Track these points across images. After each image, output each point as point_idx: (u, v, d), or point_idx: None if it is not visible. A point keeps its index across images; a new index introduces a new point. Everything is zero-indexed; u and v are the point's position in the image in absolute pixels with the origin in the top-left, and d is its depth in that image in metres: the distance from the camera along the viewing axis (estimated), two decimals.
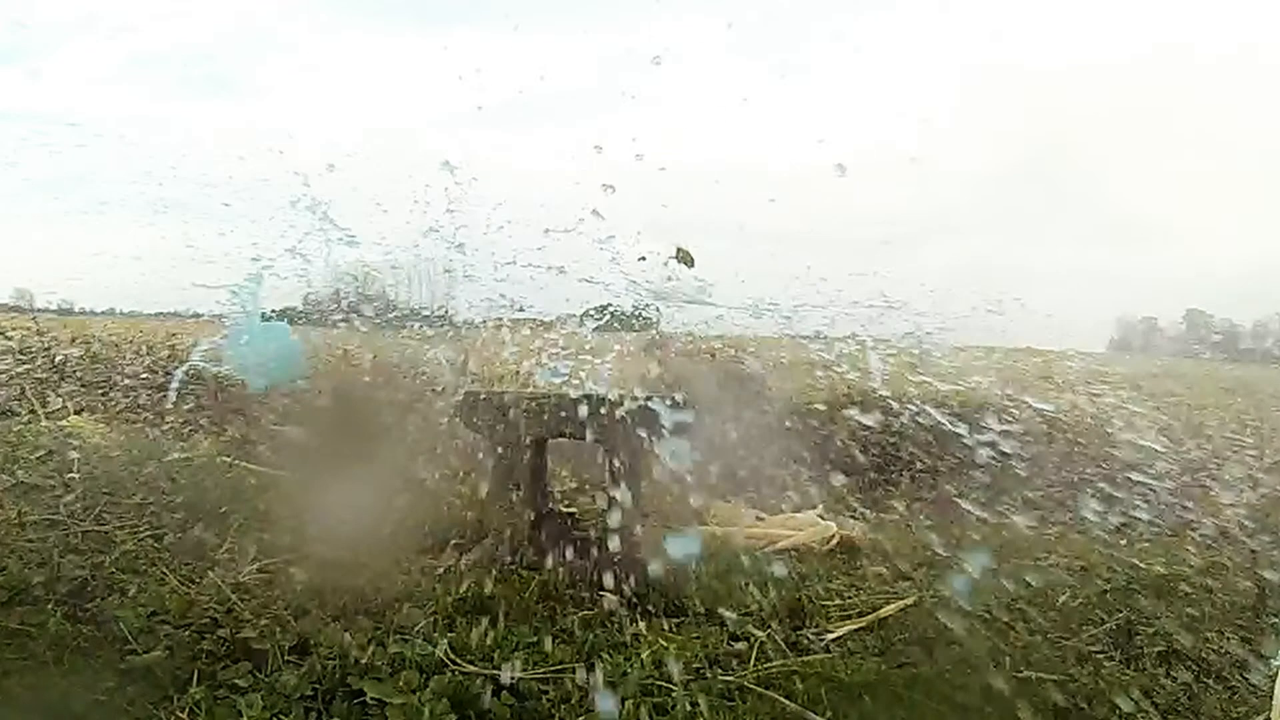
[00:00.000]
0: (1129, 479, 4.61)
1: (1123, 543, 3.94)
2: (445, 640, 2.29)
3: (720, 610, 2.64)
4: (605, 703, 2.05)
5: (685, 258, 2.81)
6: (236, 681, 2.06)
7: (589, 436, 3.04)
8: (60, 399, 4.83)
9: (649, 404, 3.02)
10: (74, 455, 3.64)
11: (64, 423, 4.30)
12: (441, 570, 2.87)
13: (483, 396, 3.14)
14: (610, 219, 3.24)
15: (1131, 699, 2.24)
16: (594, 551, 2.88)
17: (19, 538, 2.75)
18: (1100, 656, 2.51)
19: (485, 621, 2.44)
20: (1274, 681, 2.02)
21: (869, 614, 2.72)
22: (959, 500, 4.52)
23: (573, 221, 3.54)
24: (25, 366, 5.41)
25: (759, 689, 2.19)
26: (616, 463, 2.99)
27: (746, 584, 2.87)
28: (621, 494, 2.99)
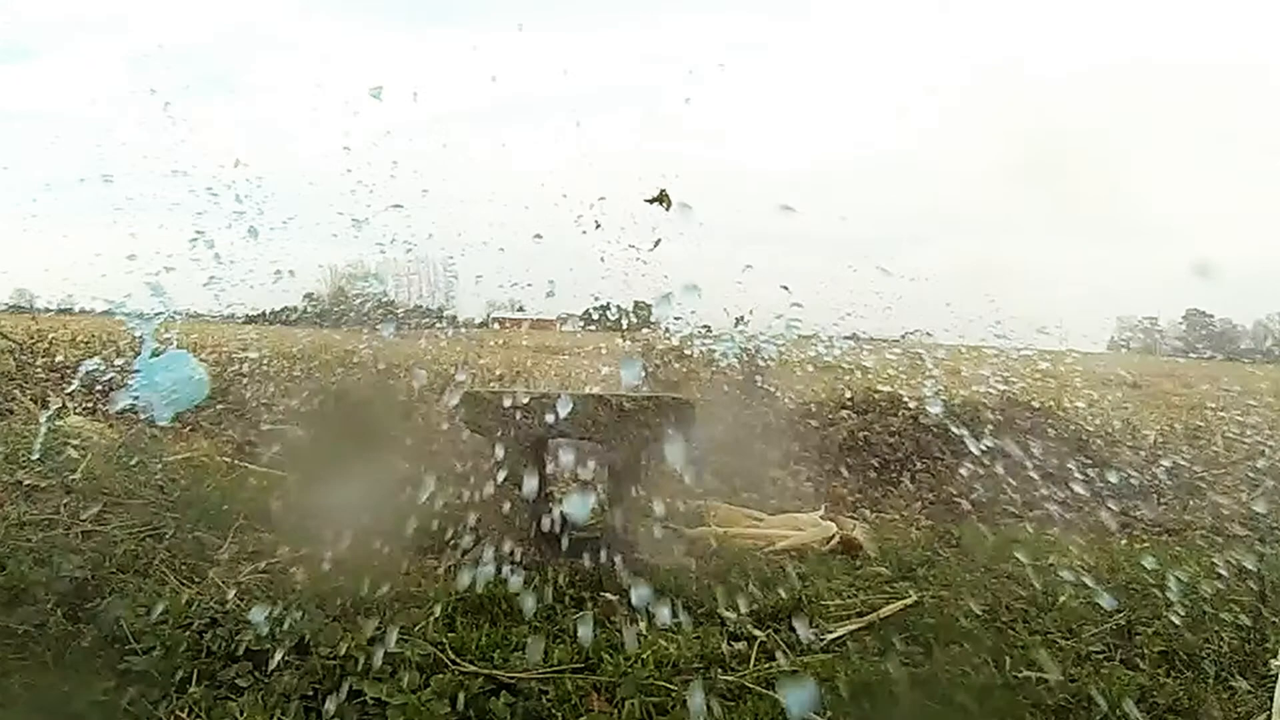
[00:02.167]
0: (1130, 478, 4.61)
1: (1123, 542, 3.95)
2: (445, 640, 2.29)
3: (720, 610, 2.64)
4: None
5: (665, 199, 2.77)
6: (236, 681, 2.06)
7: (588, 436, 3.04)
8: (60, 399, 4.83)
9: (649, 403, 3.02)
10: (74, 455, 3.64)
11: (64, 423, 4.30)
12: (441, 570, 2.87)
13: (483, 396, 3.14)
14: (608, 218, 3.24)
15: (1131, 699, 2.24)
16: (594, 551, 2.88)
17: (19, 538, 2.75)
18: (1100, 656, 2.50)
19: (485, 621, 2.44)
20: (1274, 681, 2.02)
21: (869, 614, 2.72)
22: (959, 500, 4.52)
23: (572, 221, 3.54)
24: (25, 366, 5.41)
25: (759, 689, 2.19)
26: (615, 462, 2.99)
27: (747, 584, 2.87)
28: (621, 494, 2.99)
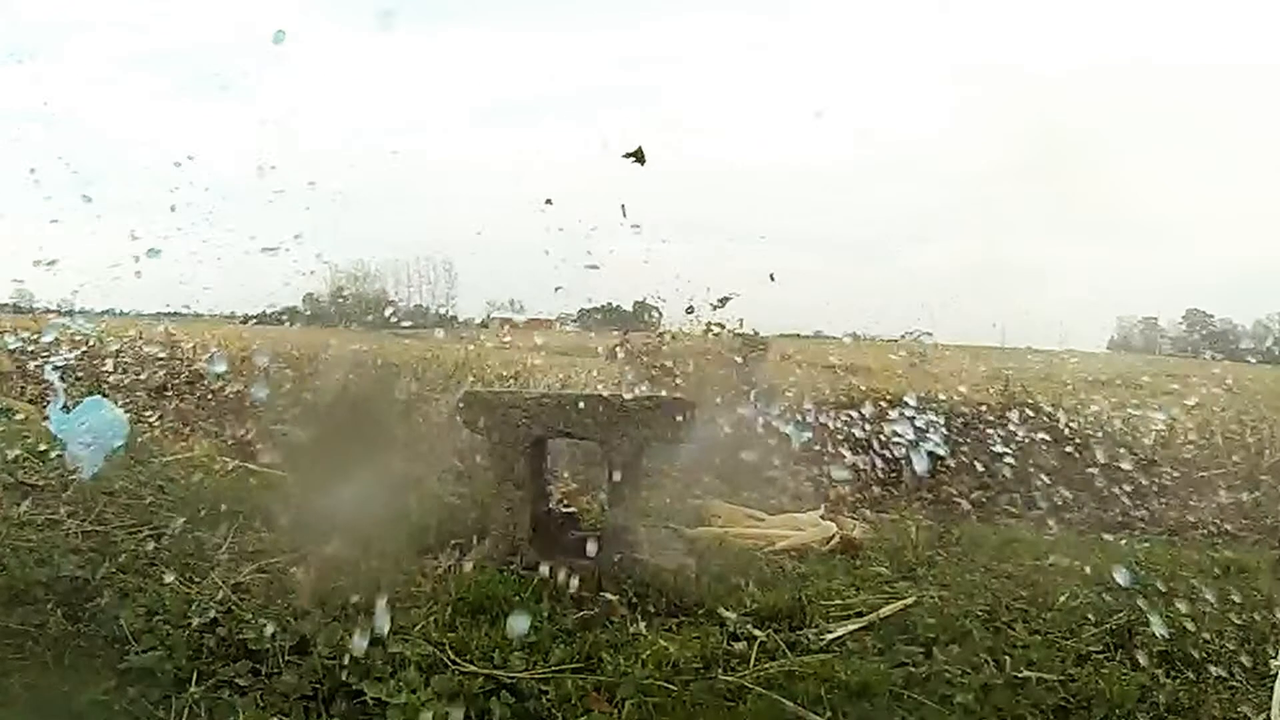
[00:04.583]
0: (1130, 477, 4.61)
1: (1123, 542, 3.95)
2: (445, 640, 2.29)
3: (720, 610, 2.63)
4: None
5: (640, 156, 2.80)
6: (236, 681, 2.06)
7: (588, 436, 3.04)
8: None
9: (649, 403, 3.02)
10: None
11: None
12: (441, 570, 2.87)
13: (483, 396, 3.14)
14: (604, 218, 3.23)
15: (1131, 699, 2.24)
16: (593, 551, 2.87)
17: (19, 538, 2.75)
18: (1100, 656, 2.50)
19: (485, 621, 2.44)
20: (1274, 681, 2.02)
21: (869, 614, 2.71)
22: (959, 500, 4.52)
23: (569, 221, 3.53)
24: (25, 366, 5.40)
25: (759, 689, 2.19)
26: (615, 462, 2.99)
27: (747, 584, 2.87)
28: (620, 494, 2.99)
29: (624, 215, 3.01)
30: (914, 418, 4.67)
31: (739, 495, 4.22)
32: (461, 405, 3.10)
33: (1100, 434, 5.06)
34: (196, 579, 2.61)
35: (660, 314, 6.26)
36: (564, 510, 3.34)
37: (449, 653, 2.24)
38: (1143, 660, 2.45)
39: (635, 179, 2.89)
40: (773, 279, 3.87)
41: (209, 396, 5.30)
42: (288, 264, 4.15)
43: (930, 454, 4.60)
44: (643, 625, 2.50)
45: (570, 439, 3.17)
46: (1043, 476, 4.40)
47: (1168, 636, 2.54)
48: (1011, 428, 4.72)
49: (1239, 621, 2.70)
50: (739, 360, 5.75)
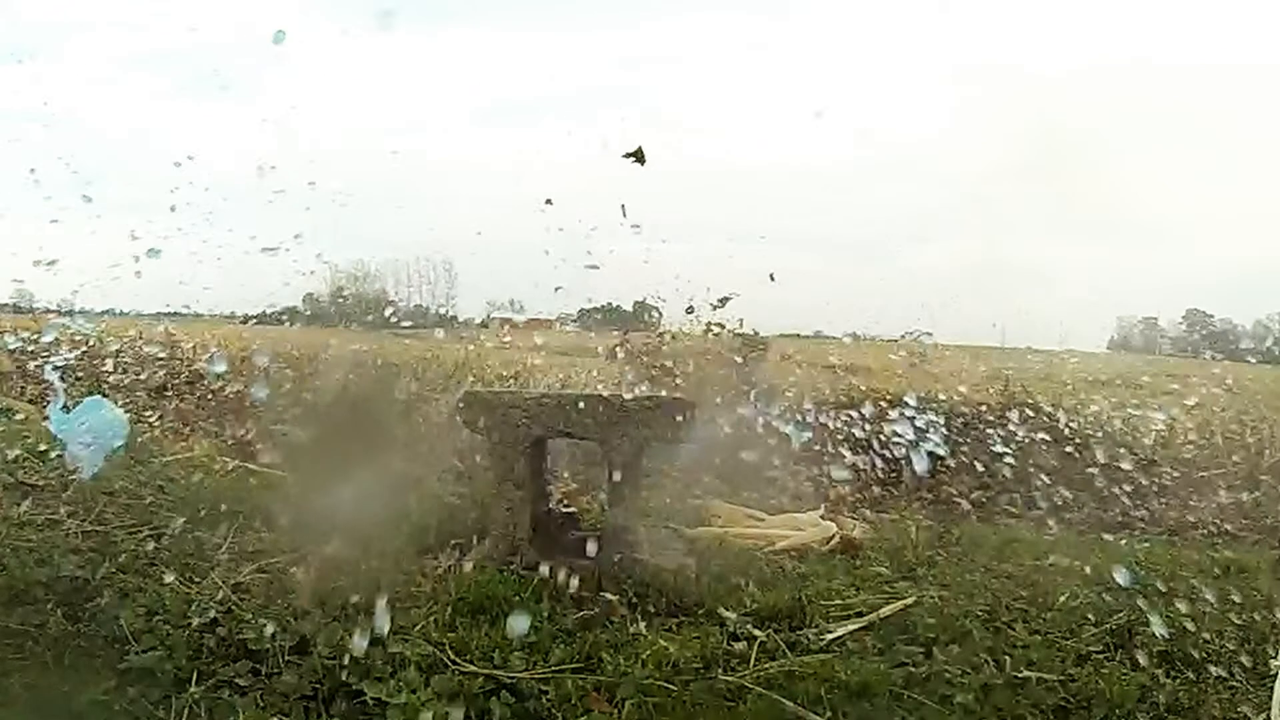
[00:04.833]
0: (1130, 478, 4.61)
1: (1123, 542, 3.95)
2: (445, 640, 2.29)
3: (720, 610, 2.63)
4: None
5: (640, 156, 2.80)
6: (236, 681, 2.06)
7: (588, 436, 3.04)
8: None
9: (649, 403, 3.02)
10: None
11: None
12: (441, 570, 2.87)
13: (483, 396, 3.14)
14: (604, 218, 3.24)
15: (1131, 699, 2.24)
16: (593, 551, 2.87)
17: (19, 538, 2.75)
18: (1100, 656, 2.50)
19: (485, 621, 2.44)
20: (1274, 681, 2.02)
21: (869, 614, 2.71)
22: (959, 500, 4.52)
23: (569, 221, 3.54)
24: (25, 366, 5.40)
25: (759, 689, 2.19)
26: (615, 462, 2.99)
27: (747, 584, 2.87)
28: (620, 494, 2.99)
29: (624, 215, 3.02)
30: (914, 418, 4.67)
31: (739, 495, 4.22)
32: (461, 405, 3.09)
33: (1100, 434, 5.06)
34: (196, 579, 2.61)
35: (660, 314, 6.26)
36: (564, 510, 3.34)
37: (449, 653, 2.24)
38: (1143, 660, 2.45)
39: (635, 179, 2.89)
40: (773, 279, 3.87)
41: (209, 396, 5.30)
42: (288, 264, 4.15)
43: (930, 454, 4.60)
44: (643, 625, 2.50)
45: (570, 439, 3.17)
46: (1043, 476, 4.40)
47: (1168, 636, 2.54)
48: (1011, 428, 4.72)
49: (1239, 621, 2.70)
50: (739, 360, 5.74)
